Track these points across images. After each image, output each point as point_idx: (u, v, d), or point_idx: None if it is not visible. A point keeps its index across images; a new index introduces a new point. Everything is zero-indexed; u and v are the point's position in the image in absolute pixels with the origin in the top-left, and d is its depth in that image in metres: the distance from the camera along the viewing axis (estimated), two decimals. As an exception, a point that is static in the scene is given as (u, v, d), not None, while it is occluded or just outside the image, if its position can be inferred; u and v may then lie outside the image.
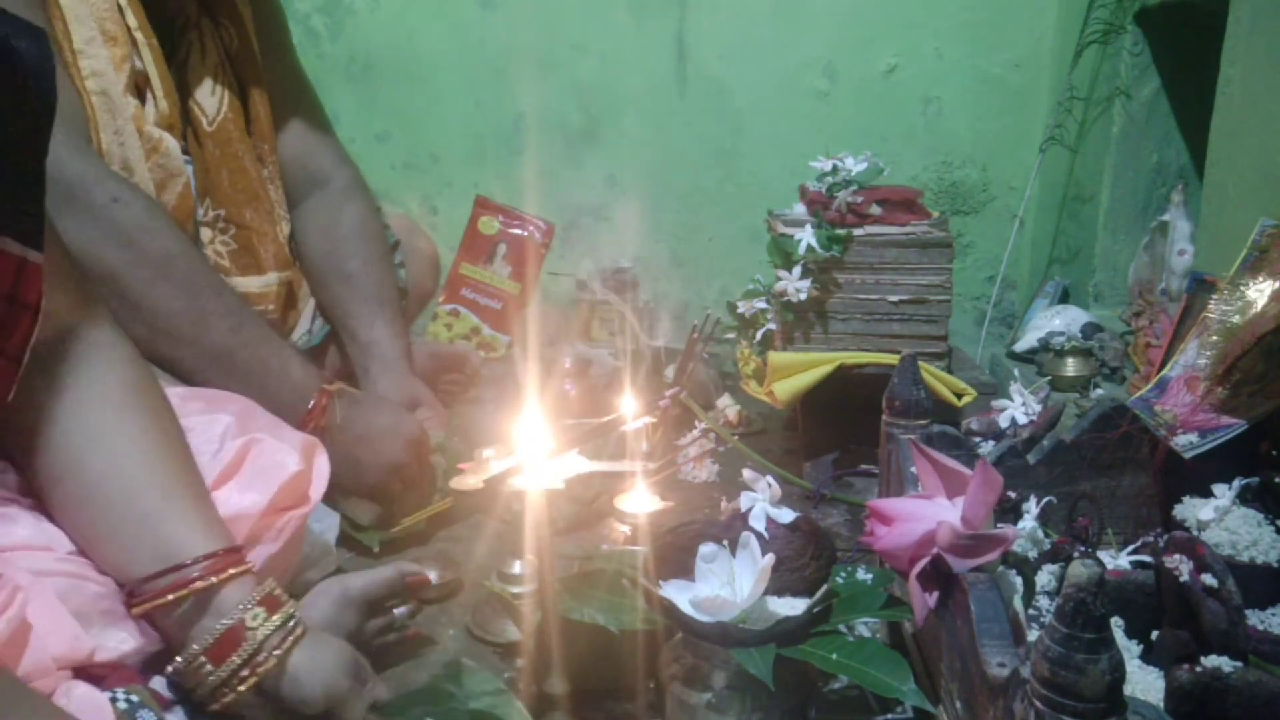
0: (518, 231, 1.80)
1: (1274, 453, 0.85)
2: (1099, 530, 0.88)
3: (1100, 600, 0.48)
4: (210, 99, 1.13)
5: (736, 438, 1.25)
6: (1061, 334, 1.64)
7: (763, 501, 0.80)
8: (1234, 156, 1.29)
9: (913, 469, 0.75)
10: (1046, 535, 0.82)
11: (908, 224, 1.21)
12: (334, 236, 1.25)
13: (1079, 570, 0.48)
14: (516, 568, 0.97)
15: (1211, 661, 0.65)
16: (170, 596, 0.67)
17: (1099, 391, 1.56)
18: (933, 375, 1.17)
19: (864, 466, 1.21)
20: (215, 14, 1.14)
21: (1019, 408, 1.00)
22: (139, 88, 1.04)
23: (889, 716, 0.77)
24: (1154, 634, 0.76)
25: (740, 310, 1.41)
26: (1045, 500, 0.83)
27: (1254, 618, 0.77)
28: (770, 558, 0.70)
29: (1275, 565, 0.79)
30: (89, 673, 0.66)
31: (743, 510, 0.80)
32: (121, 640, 0.68)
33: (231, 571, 0.69)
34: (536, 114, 2.06)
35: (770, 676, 0.67)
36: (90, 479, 0.69)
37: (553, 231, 1.84)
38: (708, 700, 0.72)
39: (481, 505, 1.19)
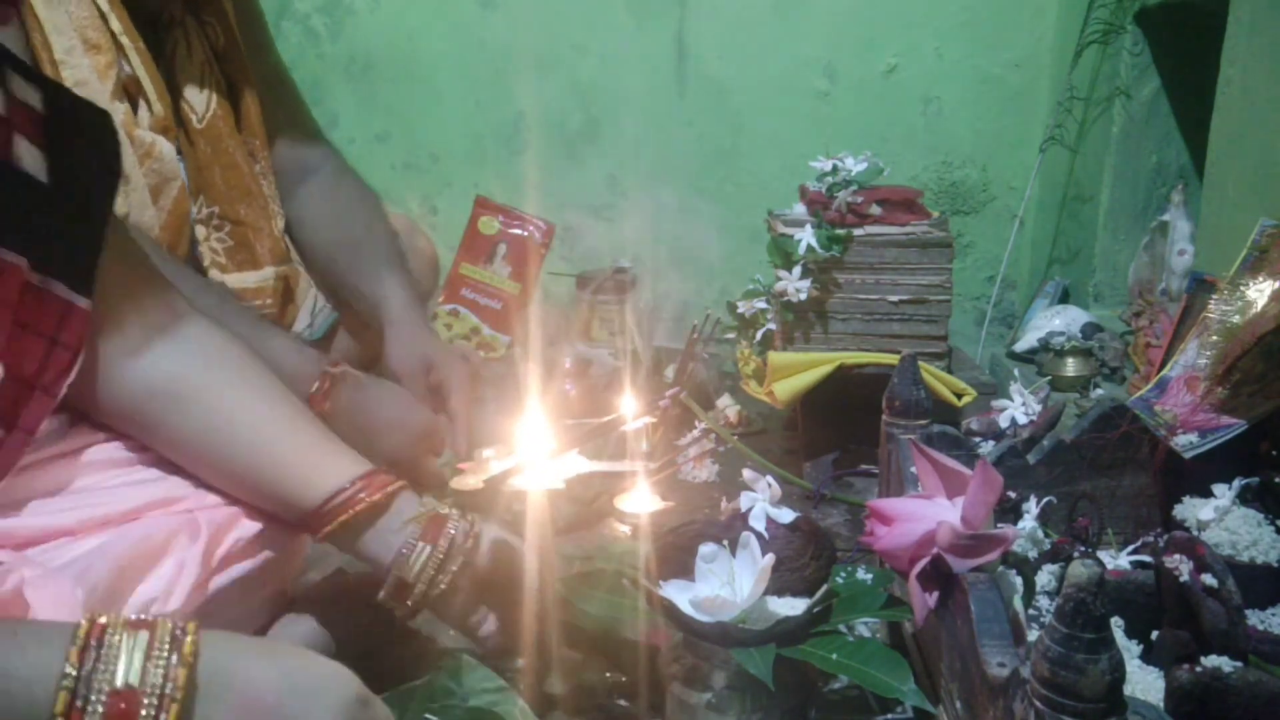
0: (518, 231, 1.80)
1: (1274, 453, 0.85)
2: (1099, 530, 0.88)
3: (1100, 600, 0.48)
4: (199, 97, 1.12)
5: (736, 438, 1.25)
6: (1061, 334, 1.64)
7: (763, 501, 0.80)
8: (1234, 156, 1.29)
9: (913, 469, 0.75)
10: (1046, 535, 0.82)
11: (908, 224, 1.21)
12: (337, 208, 1.26)
13: (1079, 570, 0.48)
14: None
15: (1211, 661, 0.65)
16: (352, 512, 0.75)
17: (1099, 391, 1.56)
18: (933, 375, 1.17)
19: (864, 466, 1.21)
20: (199, 12, 1.14)
21: (1019, 408, 1.00)
22: (129, 93, 1.04)
23: (889, 716, 0.77)
24: (1154, 634, 0.76)
25: (740, 310, 1.41)
26: (1045, 500, 0.83)
27: (1254, 618, 0.77)
28: (770, 558, 0.70)
29: (1275, 565, 0.79)
30: None
31: (743, 510, 0.80)
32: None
33: (394, 486, 0.77)
34: (536, 114, 2.06)
35: (770, 676, 0.67)
36: (241, 438, 0.76)
37: (553, 231, 1.84)
38: (708, 700, 0.72)
39: (481, 505, 1.19)
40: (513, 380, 1.52)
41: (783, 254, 1.21)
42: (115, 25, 1.02)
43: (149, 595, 0.69)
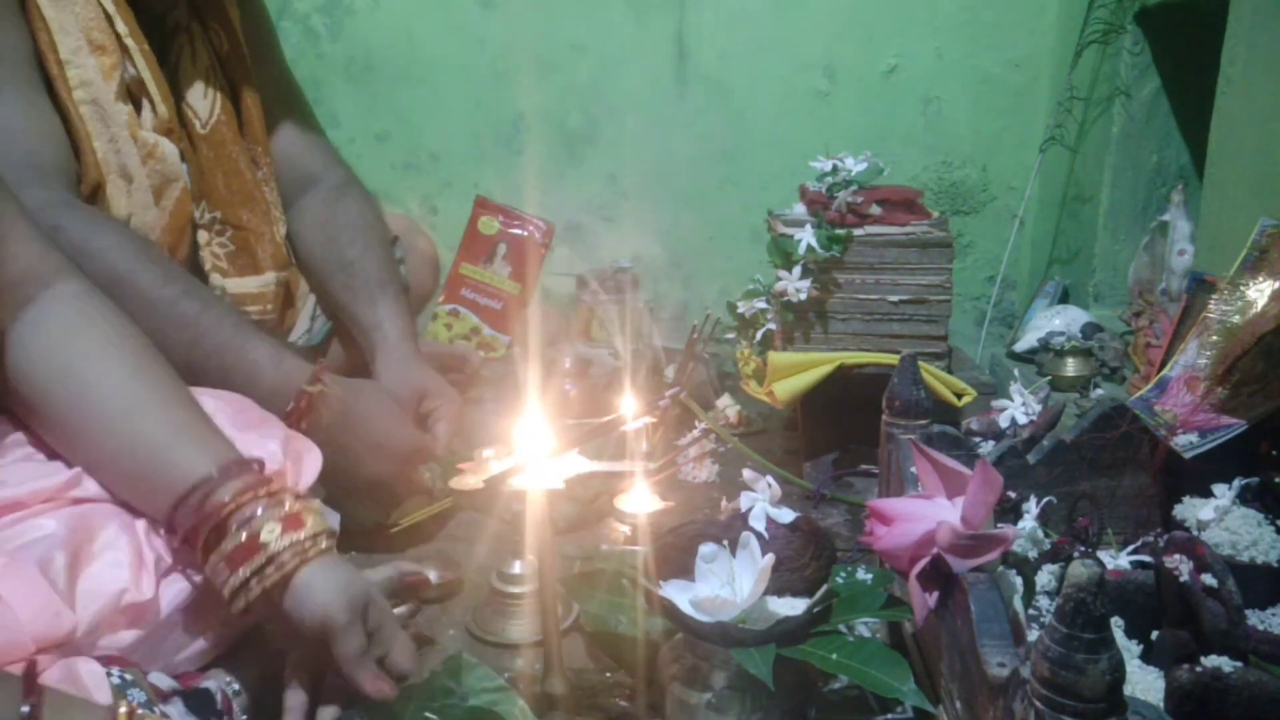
0: (518, 231, 1.80)
1: (1274, 453, 0.85)
2: (1099, 530, 0.88)
3: (1100, 600, 0.48)
4: (202, 102, 1.13)
5: (736, 438, 1.25)
6: (1061, 334, 1.64)
7: (763, 501, 0.80)
8: (1234, 156, 1.29)
9: (913, 469, 0.75)
10: (1046, 535, 0.82)
11: (908, 224, 1.21)
12: (331, 228, 1.24)
13: (1079, 570, 0.48)
14: (516, 568, 0.97)
15: (1211, 661, 0.65)
16: (192, 522, 0.71)
17: (1099, 391, 1.56)
18: (933, 375, 1.17)
19: (864, 466, 1.21)
20: (205, 17, 1.14)
21: (1019, 408, 1.00)
22: (133, 94, 1.04)
23: (889, 716, 0.76)
24: (1154, 634, 0.76)
25: (740, 310, 1.41)
26: (1045, 500, 0.83)
27: (1254, 618, 0.76)
28: (770, 558, 0.70)
29: (1275, 565, 0.79)
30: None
31: (743, 510, 0.81)
32: (123, 639, 0.69)
33: (250, 491, 0.73)
34: (536, 114, 2.06)
35: (770, 676, 0.67)
36: (95, 424, 0.73)
37: (553, 231, 1.84)
38: (708, 700, 0.72)
39: (481, 505, 1.19)
40: (513, 380, 1.52)
41: (783, 254, 1.21)
42: (121, 27, 1.02)
43: (119, 585, 0.69)
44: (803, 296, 1.20)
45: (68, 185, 0.98)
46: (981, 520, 0.65)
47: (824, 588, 0.74)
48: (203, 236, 1.12)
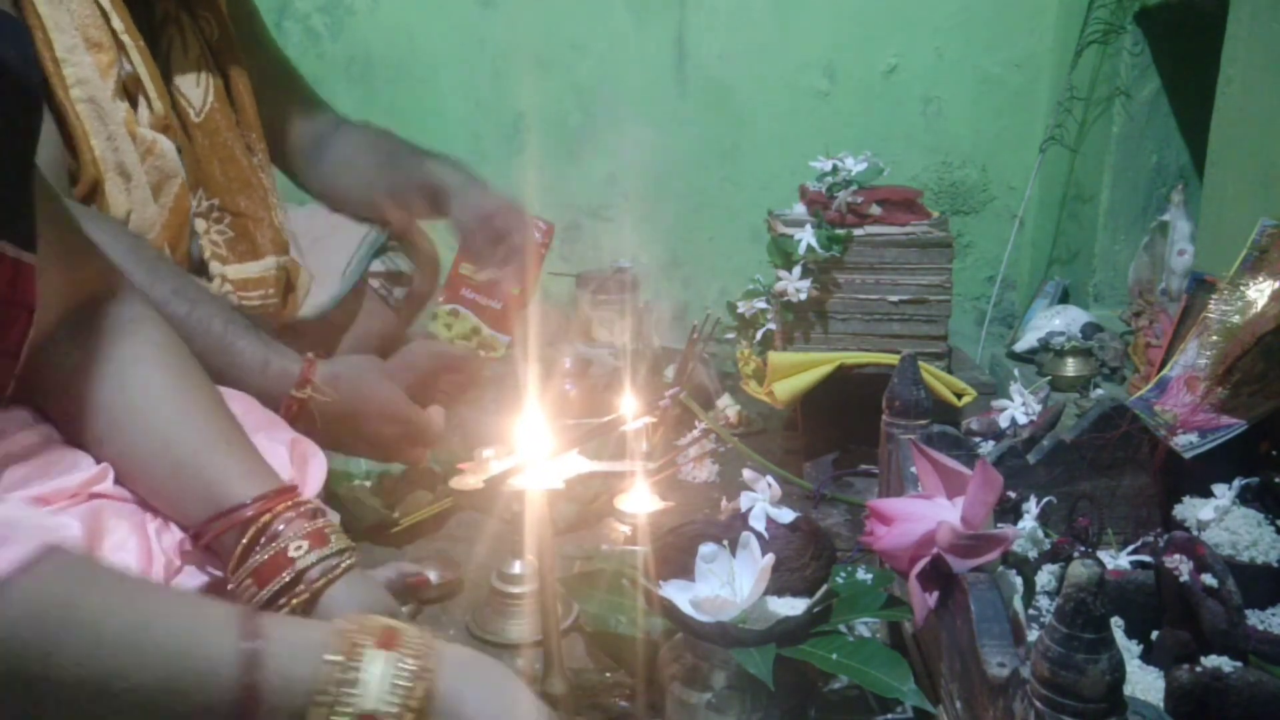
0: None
1: (1274, 453, 0.85)
2: (1099, 530, 0.88)
3: (1100, 600, 0.48)
4: (196, 90, 1.13)
5: (736, 438, 1.25)
6: (1061, 334, 1.64)
7: (763, 501, 0.80)
8: (1234, 156, 1.29)
9: (913, 469, 0.75)
10: (1046, 535, 0.82)
11: (908, 224, 1.21)
12: (367, 141, 1.34)
13: (1079, 570, 0.48)
14: (516, 568, 0.97)
15: (1211, 661, 0.65)
16: (223, 535, 0.71)
17: (1099, 391, 1.56)
18: (933, 375, 1.17)
19: (864, 466, 1.21)
20: (193, 6, 1.14)
21: (1019, 408, 1.00)
22: (129, 91, 1.04)
23: (889, 716, 0.77)
24: (1154, 634, 0.76)
25: (740, 310, 1.41)
26: (1045, 500, 0.83)
27: (1254, 618, 0.76)
28: (770, 558, 0.70)
29: (1275, 565, 0.79)
30: None
31: (743, 510, 0.81)
32: None
33: (280, 508, 0.72)
34: (536, 114, 2.06)
35: (770, 676, 0.67)
36: (138, 437, 0.73)
37: (552, 231, 1.83)
38: (708, 700, 0.72)
39: (481, 505, 1.19)
40: (513, 380, 1.52)
41: (783, 254, 1.21)
42: (117, 24, 1.02)
43: None
44: (803, 296, 1.20)
45: (57, 187, 0.98)
46: (981, 520, 0.65)
47: (824, 588, 0.74)
48: (200, 225, 1.12)
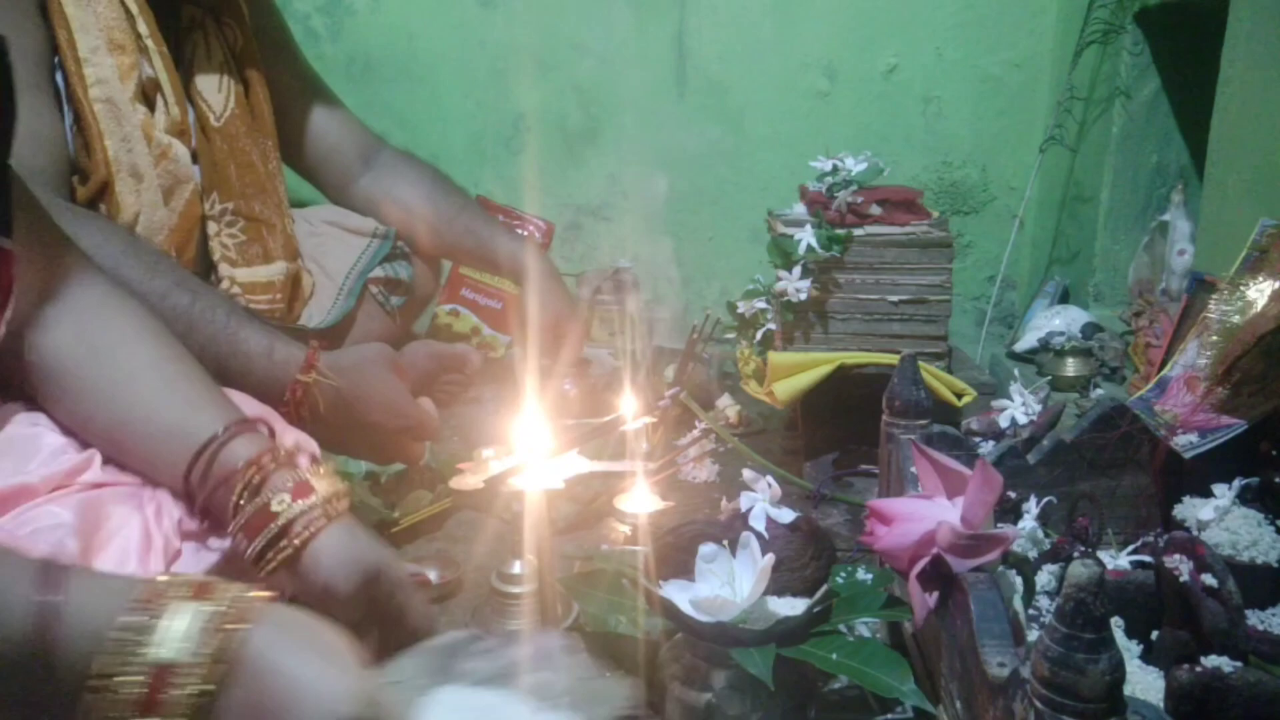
0: (518, 231, 1.80)
1: (1274, 453, 0.85)
2: (1099, 530, 0.88)
3: (1100, 600, 0.48)
4: (217, 95, 1.14)
5: (736, 438, 1.25)
6: (1061, 334, 1.64)
7: (763, 501, 0.80)
8: (1234, 156, 1.29)
9: (913, 469, 0.75)
10: (1046, 535, 0.82)
11: (908, 224, 1.21)
12: (428, 182, 1.45)
13: (1079, 570, 0.48)
14: (516, 568, 0.97)
15: (1211, 661, 0.65)
16: (208, 490, 0.72)
17: (1099, 391, 1.56)
18: (933, 375, 1.17)
19: (864, 466, 1.21)
20: (219, 14, 1.15)
21: (1019, 408, 1.00)
22: (148, 94, 1.05)
23: (889, 716, 0.77)
24: (1154, 634, 0.76)
25: (740, 310, 1.41)
26: (1045, 500, 0.83)
27: (1254, 618, 0.76)
28: (770, 558, 0.70)
29: (1275, 565, 0.79)
30: None
31: (743, 510, 0.81)
32: None
33: (265, 459, 0.72)
34: (536, 114, 2.05)
35: (770, 676, 0.67)
36: (120, 408, 0.74)
37: (553, 231, 1.84)
38: (708, 700, 0.72)
39: (481, 505, 1.19)
40: (512, 380, 1.52)
41: (783, 254, 1.21)
42: (142, 27, 1.03)
43: (126, 570, 0.69)
44: (803, 296, 1.20)
45: (56, 187, 0.98)
46: (981, 520, 0.65)
47: (824, 588, 0.74)
48: (211, 228, 1.13)
